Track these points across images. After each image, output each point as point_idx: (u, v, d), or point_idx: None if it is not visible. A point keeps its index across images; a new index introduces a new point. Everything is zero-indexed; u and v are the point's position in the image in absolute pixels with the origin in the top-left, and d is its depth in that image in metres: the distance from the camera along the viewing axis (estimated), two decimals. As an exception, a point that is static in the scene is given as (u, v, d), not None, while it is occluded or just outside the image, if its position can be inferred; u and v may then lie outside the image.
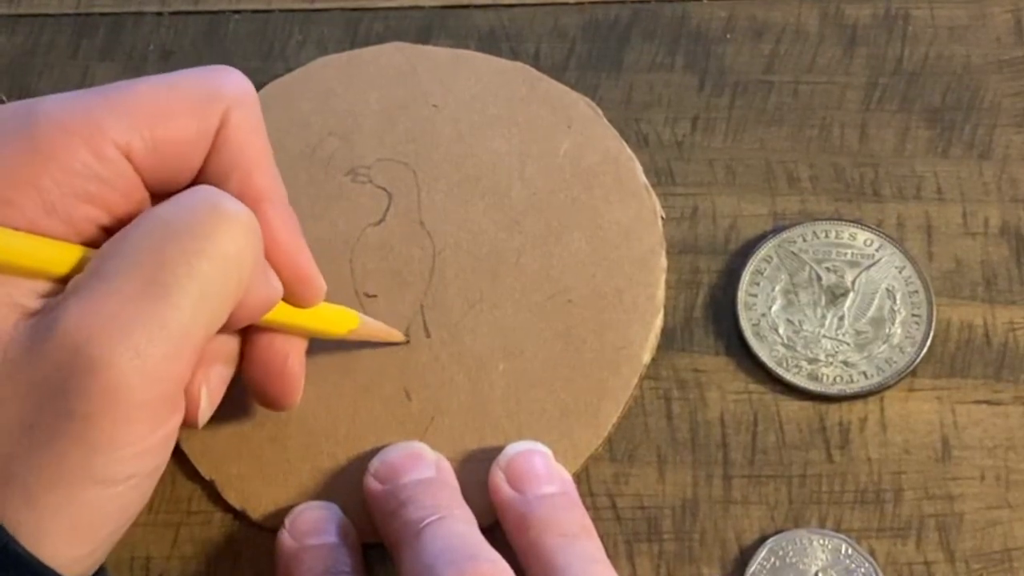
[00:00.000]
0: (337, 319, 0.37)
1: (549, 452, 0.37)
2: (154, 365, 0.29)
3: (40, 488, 0.29)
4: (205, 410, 0.34)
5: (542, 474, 0.36)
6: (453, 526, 0.34)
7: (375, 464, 0.37)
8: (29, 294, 0.30)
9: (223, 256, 0.31)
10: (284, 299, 0.35)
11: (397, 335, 0.39)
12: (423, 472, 0.36)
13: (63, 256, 0.31)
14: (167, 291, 0.30)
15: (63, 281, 0.31)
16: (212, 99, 0.33)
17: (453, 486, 0.36)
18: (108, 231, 0.32)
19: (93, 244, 0.32)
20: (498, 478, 0.36)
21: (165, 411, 0.31)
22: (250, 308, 0.33)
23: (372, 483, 0.37)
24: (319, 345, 0.38)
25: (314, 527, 0.36)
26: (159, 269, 0.30)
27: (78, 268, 0.31)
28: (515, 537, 0.35)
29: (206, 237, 0.30)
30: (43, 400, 0.29)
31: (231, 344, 0.36)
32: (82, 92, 0.33)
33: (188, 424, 0.33)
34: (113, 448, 0.29)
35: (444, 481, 0.36)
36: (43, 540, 0.29)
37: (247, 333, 0.36)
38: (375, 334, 0.39)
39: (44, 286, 0.31)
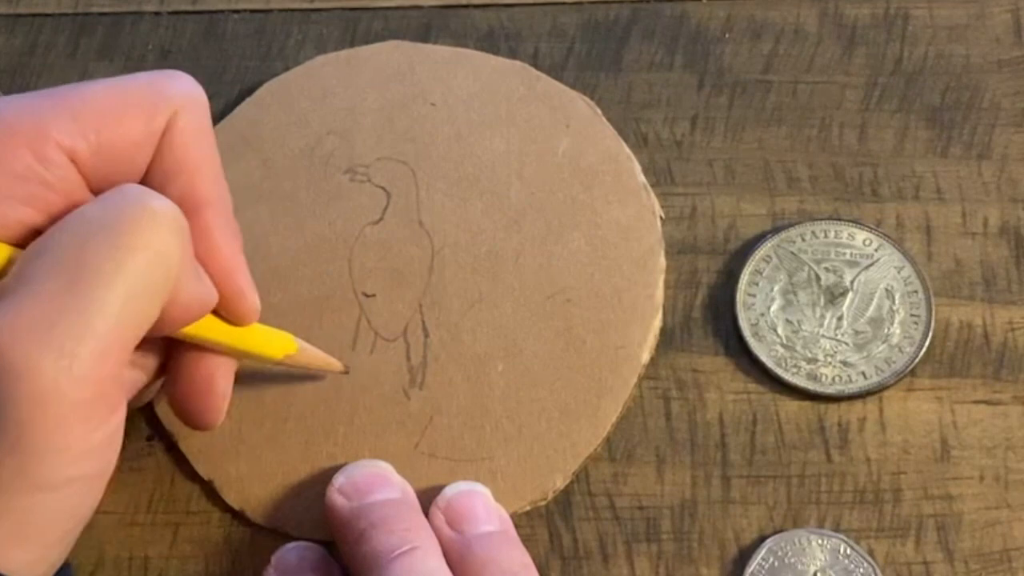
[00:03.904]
0: (272, 342, 0.36)
1: (488, 492, 0.37)
2: (82, 365, 0.29)
3: None
4: None
5: (481, 514, 0.36)
6: (424, 561, 0.33)
7: (340, 480, 0.36)
8: None
9: (148, 251, 0.30)
10: (218, 314, 0.34)
11: (336, 364, 0.38)
12: (390, 492, 0.36)
13: None
14: (91, 288, 0.29)
15: None
16: (159, 102, 0.33)
17: (418, 509, 0.36)
18: (42, 232, 0.31)
19: (25, 245, 0.31)
20: (438, 519, 0.35)
21: (102, 411, 0.30)
22: (183, 307, 0.32)
23: (337, 498, 0.36)
24: (318, 346, 0.38)
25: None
26: (83, 267, 0.29)
27: (5, 269, 0.30)
28: None
29: (130, 233, 0.30)
30: None
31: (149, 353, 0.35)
32: (33, 94, 0.32)
33: None
34: (50, 452, 0.29)
35: (411, 504, 0.36)
36: None
37: (175, 347, 0.35)
38: (313, 362, 0.38)
39: None
